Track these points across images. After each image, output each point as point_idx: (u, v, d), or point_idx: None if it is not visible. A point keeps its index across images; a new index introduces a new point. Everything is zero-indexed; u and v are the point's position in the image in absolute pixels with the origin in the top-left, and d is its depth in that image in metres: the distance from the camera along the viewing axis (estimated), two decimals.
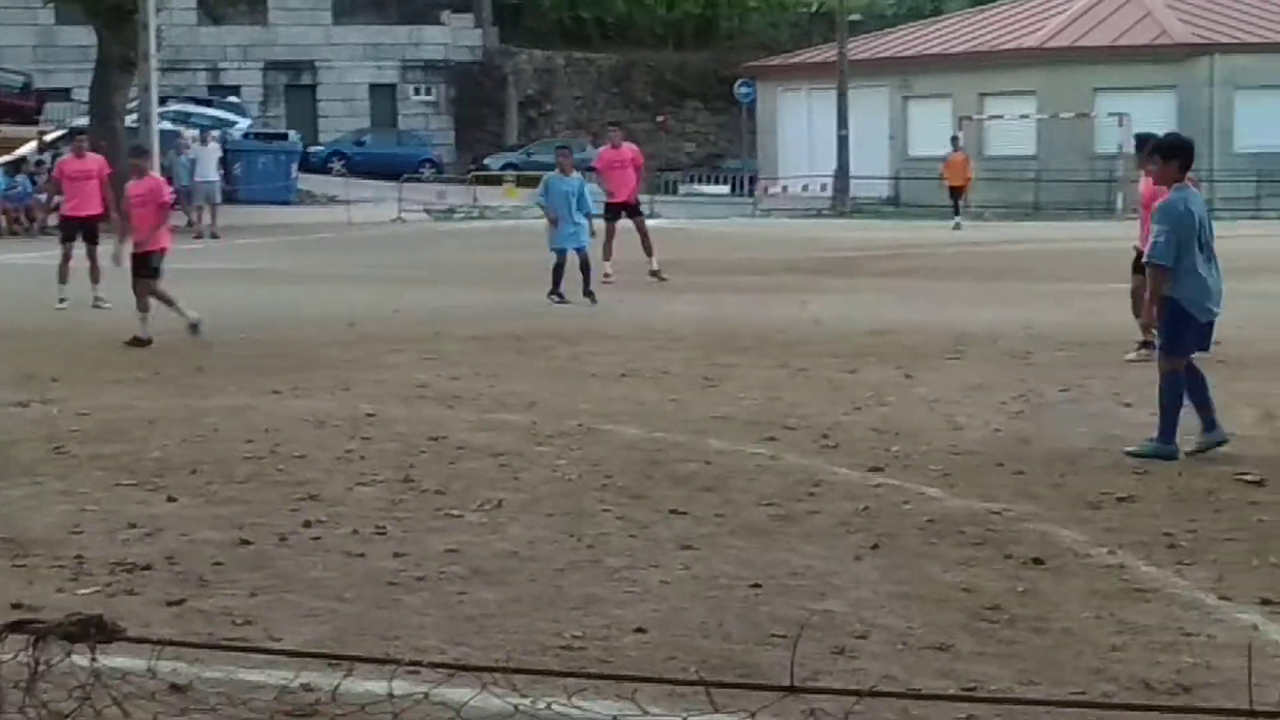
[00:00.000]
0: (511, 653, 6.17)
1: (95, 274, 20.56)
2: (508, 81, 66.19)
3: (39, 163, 41.70)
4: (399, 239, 37.39)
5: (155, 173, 19.51)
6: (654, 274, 23.74)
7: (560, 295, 20.54)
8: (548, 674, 5.39)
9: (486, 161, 58.75)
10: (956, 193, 40.49)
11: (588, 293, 20.53)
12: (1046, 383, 13.66)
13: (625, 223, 24.15)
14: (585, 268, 20.73)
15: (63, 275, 20.98)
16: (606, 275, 22.98)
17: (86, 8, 41.80)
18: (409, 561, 7.73)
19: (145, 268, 17.00)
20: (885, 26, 64.86)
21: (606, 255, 23.42)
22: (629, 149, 25.08)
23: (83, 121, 45.37)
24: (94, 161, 21.70)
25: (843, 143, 51.10)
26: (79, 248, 20.93)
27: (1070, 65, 51.45)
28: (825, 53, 57.03)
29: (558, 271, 20.72)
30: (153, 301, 16.79)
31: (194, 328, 16.81)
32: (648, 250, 24.04)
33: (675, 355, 15.66)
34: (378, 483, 9.62)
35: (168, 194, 17.72)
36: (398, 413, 12.16)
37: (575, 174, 21.73)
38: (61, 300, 20.58)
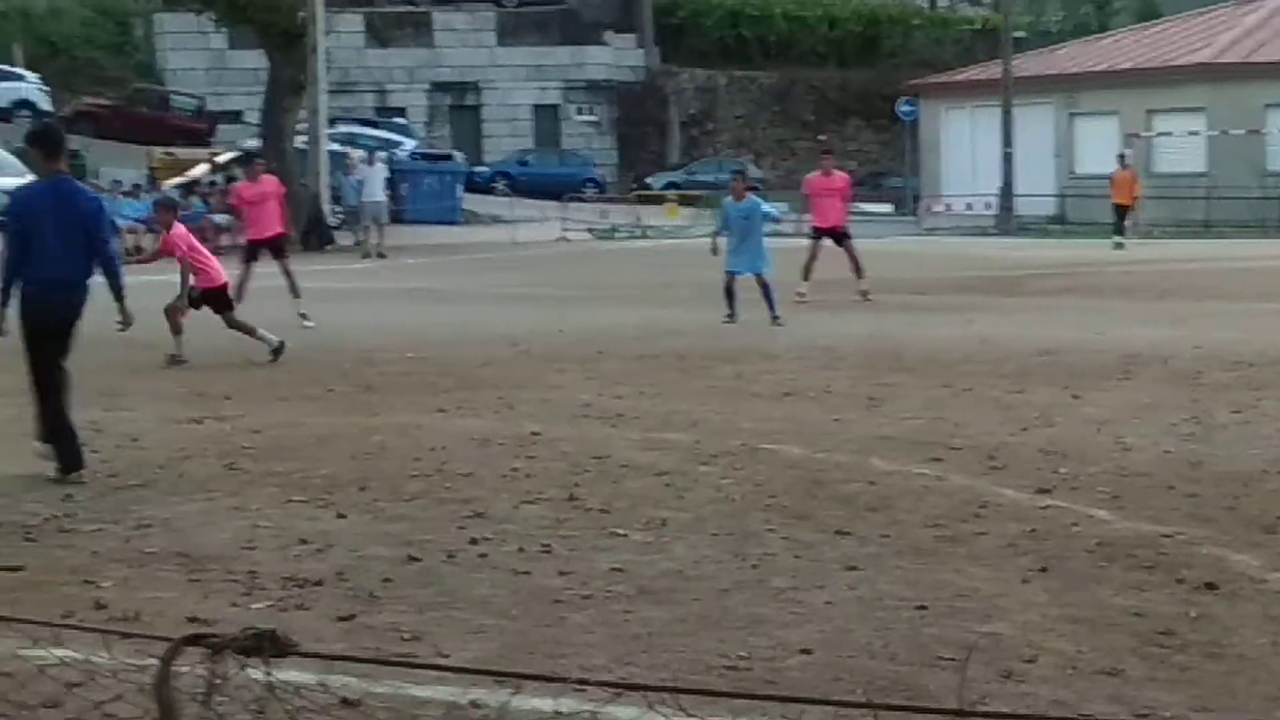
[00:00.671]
0: (677, 672, 6.18)
1: (294, 289, 21.02)
2: (670, 101, 66.43)
3: (212, 184, 42.57)
4: (562, 258, 37.64)
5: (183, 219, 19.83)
6: (862, 294, 23.83)
7: (729, 315, 20.54)
8: (714, 694, 5.39)
9: (649, 181, 59.04)
10: (1122, 210, 39.91)
11: (774, 318, 20.41)
12: (1218, 403, 13.42)
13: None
14: (765, 292, 20.62)
15: (239, 294, 21.31)
16: (801, 295, 23.16)
17: (258, 32, 42.67)
18: (575, 580, 7.77)
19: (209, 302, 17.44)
20: (1051, 43, 64.28)
21: (806, 275, 23.67)
22: (840, 177, 25.21)
23: (254, 144, 46.26)
24: (269, 183, 22.08)
25: (1007, 160, 50.62)
26: (266, 267, 21.19)
27: (1241, 81, 50.59)
28: (989, 70, 56.58)
29: (727, 293, 20.72)
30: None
31: (277, 351, 17.16)
32: (858, 272, 24.18)
33: (838, 375, 15.60)
34: (543, 501, 9.68)
35: (183, 247, 17.41)
36: (562, 432, 12.23)
37: (749, 195, 21.67)
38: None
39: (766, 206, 21.84)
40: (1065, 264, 33.20)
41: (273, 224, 21.47)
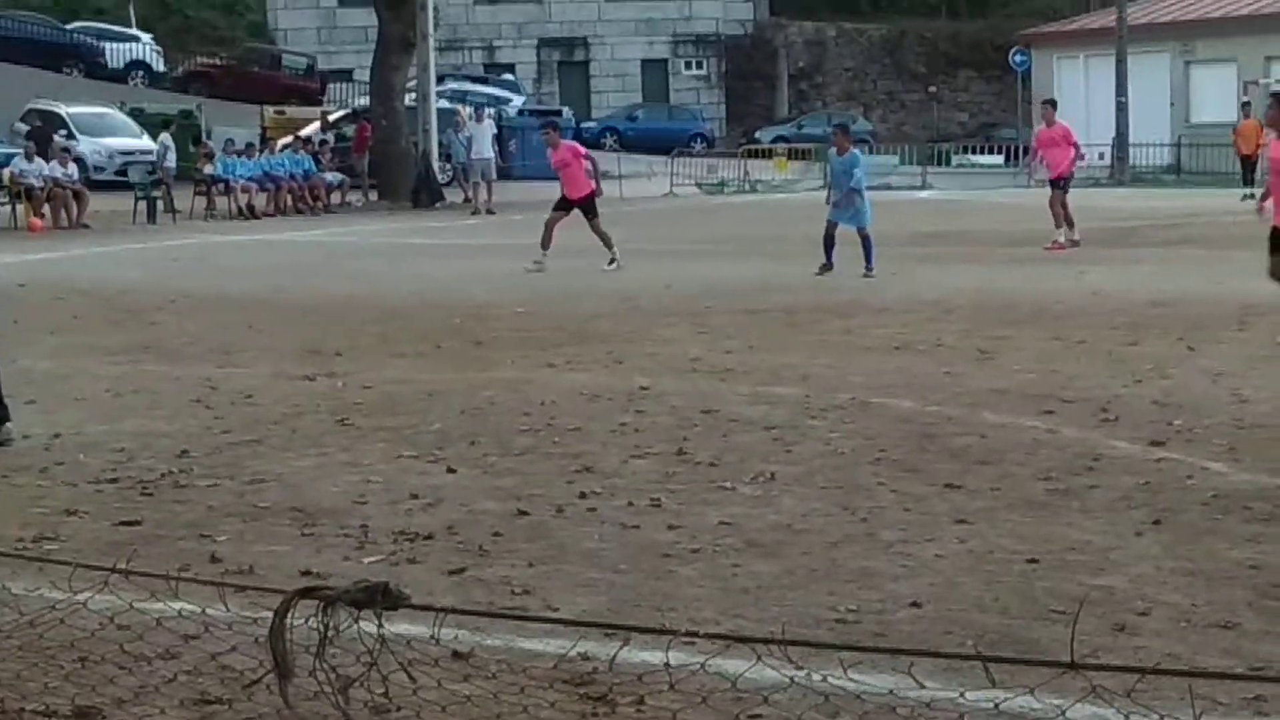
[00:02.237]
0: (786, 625, 6.17)
1: (606, 241, 22.31)
2: (778, 54, 66.09)
3: (323, 142, 42.86)
4: (671, 213, 37.60)
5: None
6: (1072, 242, 24.61)
7: (826, 265, 20.64)
8: (823, 646, 5.39)
9: (757, 135, 58.81)
10: (1248, 161, 39.11)
11: (868, 270, 20.46)
12: None
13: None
14: (865, 245, 20.72)
15: (545, 241, 22.35)
16: (1069, 241, 24.48)
17: None
18: (683, 533, 7.78)
19: None
20: None
21: (1064, 223, 25.01)
22: (1061, 127, 26.28)
23: (364, 101, 46.53)
24: (568, 149, 23.21)
25: (1121, 110, 49.88)
26: (579, 222, 22.42)
27: None
28: (1103, 18, 55.82)
29: (825, 242, 20.79)
30: None
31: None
32: (1069, 222, 25.13)
33: (949, 328, 15.50)
34: (652, 455, 9.69)
35: None
36: (671, 386, 12.24)
37: (852, 149, 21.77)
38: (536, 263, 21.97)
39: (861, 168, 21.76)
40: (1181, 214, 32.77)
41: (580, 185, 22.60)
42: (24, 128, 41.37)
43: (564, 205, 22.72)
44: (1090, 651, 5.71)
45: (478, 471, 9.32)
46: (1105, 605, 6.49)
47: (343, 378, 12.91)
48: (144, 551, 7.29)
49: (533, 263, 22.04)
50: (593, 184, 22.70)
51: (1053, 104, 27.97)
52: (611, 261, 22.00)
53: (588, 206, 22.55)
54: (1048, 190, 26.33)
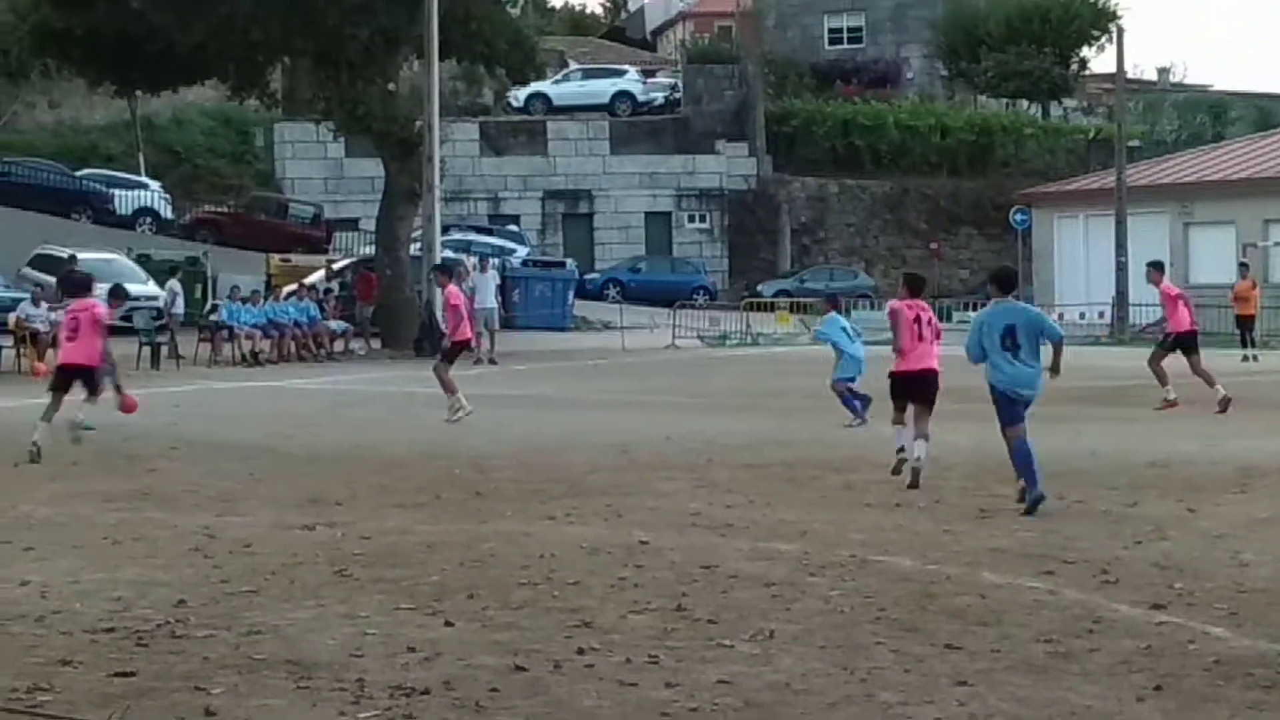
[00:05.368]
0: None
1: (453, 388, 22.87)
2: (781, 209, 66.58)
3: (327, 290, 43.08)
4: (672, 365, 37.70)
5: None
6: (1169, 402, 24.63)
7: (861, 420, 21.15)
8: None
9: (759, 288, 59.07)
10: (1245, 322, 39.27)
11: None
12: None
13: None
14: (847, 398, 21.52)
15: (449, 388, 22.80)
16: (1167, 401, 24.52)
17: (375, 141, 43.22)
18: (681, 692, 7.73)
19: None
20: (1165, 152, 63.99)
21: (1165, 386, 25.20)
22: (1171, 288, 26.18)
23: (369, 250, 46.80)
24: (460, 294, 24.35)
25: (1121, 269, 50.21)
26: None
27: None
28: (1103, 179, 56.34)
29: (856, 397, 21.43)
30: None
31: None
32: (1209, 381, 25.06)
33: (949, 485, 15.49)
34: (650, 611, 9.66)
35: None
36: (670, 540, 12.21)
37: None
38: (458, 411, 22.37)
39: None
40: (1179, 374, 32.78)
41: (466, 328, 24.08)
42: (32, 273, 41.64)
43: (452, 354, 23.43)
44: None
45: (476, 625, 9.28)
46: None
47: (342, 528, 12.88)
48: (138, 705, 7.25)
49: (452, 413, 22.26)
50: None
51: (1158, 266, 26.98)
52: (456, 411, 22.26)
53: (457, 350, 23.48)
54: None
